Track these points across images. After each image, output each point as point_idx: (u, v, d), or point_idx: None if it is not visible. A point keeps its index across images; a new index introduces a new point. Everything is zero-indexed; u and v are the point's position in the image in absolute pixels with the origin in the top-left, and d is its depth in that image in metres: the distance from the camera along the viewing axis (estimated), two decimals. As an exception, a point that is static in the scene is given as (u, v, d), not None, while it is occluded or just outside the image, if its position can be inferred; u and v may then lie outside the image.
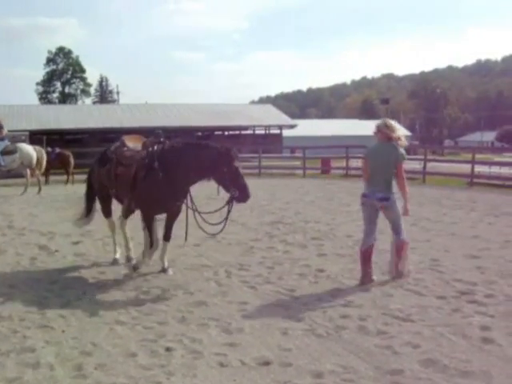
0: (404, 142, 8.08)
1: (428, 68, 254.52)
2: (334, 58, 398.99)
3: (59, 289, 7.72)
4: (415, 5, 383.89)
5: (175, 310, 6.73)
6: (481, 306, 6.71)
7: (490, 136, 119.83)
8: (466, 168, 25.34)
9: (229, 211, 7.97)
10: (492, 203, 16.76)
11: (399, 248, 8.01)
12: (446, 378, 4.78)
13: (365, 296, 7.20)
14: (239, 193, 7.85)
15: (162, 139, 8.85)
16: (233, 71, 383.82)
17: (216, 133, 54.79)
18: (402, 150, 7.94)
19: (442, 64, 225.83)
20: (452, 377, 4.79)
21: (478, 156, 29.64)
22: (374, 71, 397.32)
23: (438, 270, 8.47)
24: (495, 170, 27.04)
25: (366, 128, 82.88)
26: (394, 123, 8.08)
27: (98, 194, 9.54)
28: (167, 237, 8.60)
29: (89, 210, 9.83)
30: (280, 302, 6.98)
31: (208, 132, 53.96)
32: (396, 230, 8.05)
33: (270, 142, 50.87)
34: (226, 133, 57.37)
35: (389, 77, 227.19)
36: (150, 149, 8.33)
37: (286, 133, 55.67)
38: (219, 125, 51.64)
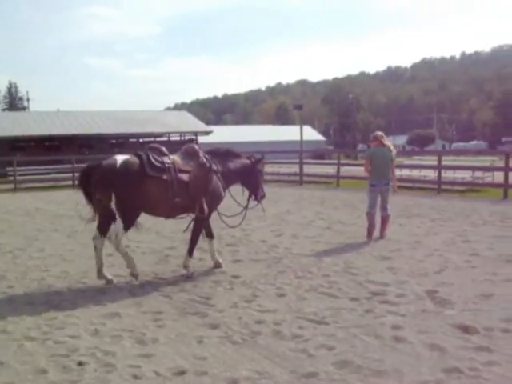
0: (392, 147, 11.93)
1: (341, 74, 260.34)
2: (249, 64, 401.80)
3: (-36, 305, 7.39)
4: (328, 11, 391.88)
5: (87, 322, 6.57)
6: (392, 306, 6.88)
7: (401, 140, 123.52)
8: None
9: (248, 207, 9.76)
10: (403, 205, 17.24)
11: (385, 220, 11.76)
12: (359, 378, 4.86)
13: (280, 300, 7.24)
14: (262, 193, 9.89)
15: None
16: (148, 77, 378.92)
17: (130, 140, 54.01)
18: (394, 152, 11.88)
19: (354, 70, 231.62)
20: (366, 376, 4.88)
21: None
22: (288, 77, 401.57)
23: (351, 272, 8.64)
24: (406, 172, 27.82)
25: (280, 133, 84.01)
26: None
27: (130, 207, 8.44)
28: (212, 234, 9.45)
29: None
30: (195, 310, 6.93)
31: (122, 139, 53.09)
32: (384, 206, 11.76)
33: (185, 148, 50.54)
34: (141, 140, 56.71)
35: (303, 83, 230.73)
36: (204, 155, 9.17)
37: (202, 139, 55.52)
38: (134, 132, 51.01)
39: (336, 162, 28.62)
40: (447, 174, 24.86)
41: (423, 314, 6.55)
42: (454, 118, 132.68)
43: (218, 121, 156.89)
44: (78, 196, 8.87)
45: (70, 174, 30.39)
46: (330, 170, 29.93)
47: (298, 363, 5.21)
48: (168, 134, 54.39)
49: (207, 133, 54.91)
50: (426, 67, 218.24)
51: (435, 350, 5.42)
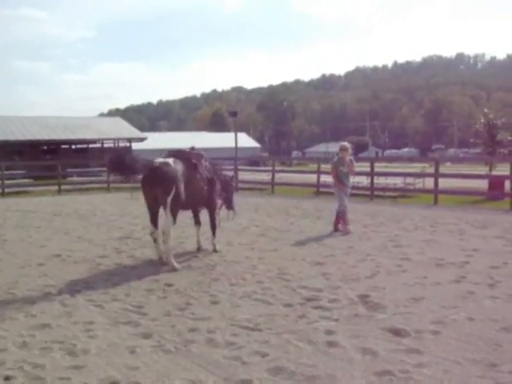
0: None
1: (276, 81, 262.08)
2: (184, 71, 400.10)
3: None
4: (263, 20, 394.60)
5: (16, 334, 6.34)
6: (325, 311, 6.93)
7: (334, 147, 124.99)
8: (312, 178, 26.28)
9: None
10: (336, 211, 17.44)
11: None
12: (293, 384, 4.87)
13: (213, 308, 7.20)
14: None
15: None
16: (81, 82, 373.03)
17: (63, 146, 52.96)
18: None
19: (289, 78, 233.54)
20: (299, 382, 4.89)
21: (324, 166, 30.83)
22: (223, 84, 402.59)
23: (285, 279, 8.66)
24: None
25: (216, 140, 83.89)
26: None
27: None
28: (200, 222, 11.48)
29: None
30: (128, 320, 6.80)
31: (54, 146, 51.97)
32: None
33: (119, 155, 49.90)
34: (74, 146, 55.72)
35: (238, 90, 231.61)
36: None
37: (136, 146, 54.99)
38: (65, 138, 50.07)
39: (271, 168, 28.79)
40: (380, 181, 25.37)
41: (356, 319, 6.62)
42: (386, 126, 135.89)
43: (153, 127, 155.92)
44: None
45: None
46: (265, 176, 30.09)
47: (231, 371, 5.17)
48: (102, 140, 53.63)
49: (142, 139, 54.40)
50: (360, 75, 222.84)
51: (367, 353, 5.48)
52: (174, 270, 9.50)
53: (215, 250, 11.05)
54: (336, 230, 13.43)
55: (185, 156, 10.57)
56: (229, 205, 11.88)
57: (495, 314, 6.62)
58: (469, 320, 6.45)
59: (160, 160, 10.14)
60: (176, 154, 10.57)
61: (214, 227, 11.30)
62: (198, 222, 11.42)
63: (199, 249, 11.25)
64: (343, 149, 13.99)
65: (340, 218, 13.57)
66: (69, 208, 20.64)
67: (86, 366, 5.38)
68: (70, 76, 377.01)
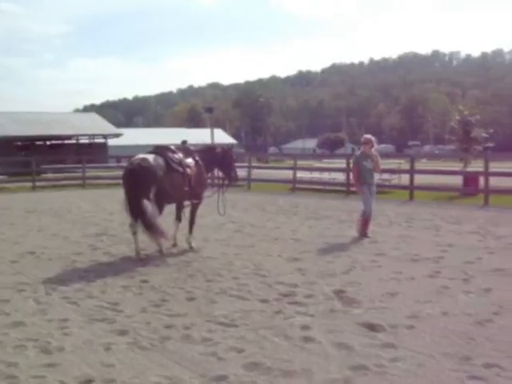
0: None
1: (252, 78, 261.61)
2: (160, 66, 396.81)
3: None
4: (239, 16, 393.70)
5: (-11, 333, 6.28)
6: (302, 307, 6.96)
7: (311, 143, 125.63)
8: (288, 174, 26.33)
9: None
10: (313, 207, 17.55)
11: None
12: (269, 379, 4.87)
13: (189, 304, 7.19)
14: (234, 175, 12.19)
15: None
16: (56, 78, 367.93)
17: (37, 143, 52.47)
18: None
19: (265, 74, 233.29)
20: (275, 377, 4.89)
21: (300, 162, 30.94)
22: (199, 80, 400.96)
23: (261, 274, 8.68)
24: (316, 175, 28.31)
25: (192, 136, 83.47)
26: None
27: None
28: (181, 219, 11.51)
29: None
30: (103, 317, 6.75)
31: (28, 142, 51.48)
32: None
33: (94, 151, 49.71)
34: (48, 142, 55.21)
35: (214, 86, 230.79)
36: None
37: (112, 142, 54.70)
38: (40, 134, 49.64)
39: (247, 164, 28.78)
40: (356, 176, 25.40)
41: (331, 314, 6.65)
42: (362, 122, 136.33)
43: (129, 123, 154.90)
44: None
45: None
46: (242, 172, 30.04)
47: (207, 367, 5.17)
48: (77, 136, 53.24)
49: (117, 135, 54.17)
50: (336, 72, 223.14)
51: (343, 348, 5.51)
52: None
53: (191, 247, 10.97)
54: (363, 235, 11.96)
55: (168, 151, 10.78)
56: (229, 177, 12.02)
57: (469, 309, 6.69)
58: (443, 314, 6.51)
59: (140, 156, 10.44)
60: (159, 149, 10.92)
61: (191, 223, 11.26)
62: (178, 218, 11.43)
63: (175, 245, 11.20)
64: (366, 141, 12.40)
65: (366, 221, 12.19)
66: (43, 205, 20.46)
67: (61, 363, 5.33)
68: (45, 71, 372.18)
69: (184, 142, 11.62)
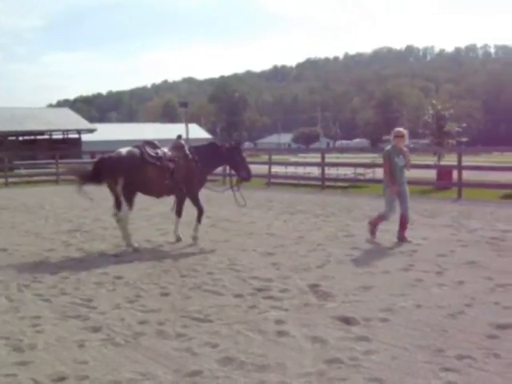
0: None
1: (227, 72, 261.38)
2: (133, 61, 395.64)
3: None
4: (214, 11, 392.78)
5: (-41, 331, 6.19)
6: (276, 301, 6.96)
7: (286, 138, 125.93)
8: (264, 169, 26.33)
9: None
10: (288, 201, 17.58)
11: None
12: (243, 373, 4.86)
13: (164, 300, 7.16)
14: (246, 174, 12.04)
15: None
16: (28, 72, 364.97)
17: (9, 138, 51.79)
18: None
19: (240, 69, 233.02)
20: (249, 372, 4.89)
21: (276, 157, 30.97)
22: (174, 75, 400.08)
23: (236, 269, 8.67)
24: (291, 169, 28.37)
25: (167, 131, 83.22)
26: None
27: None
28: (181, 214, 11.54)
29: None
30: (76, 314, 6.69)
31: (0, 137, 50.80)
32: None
33: (68, 147, 49.28)
34: (21, 138, 54.55)
35: (189, 81, 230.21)
36: (189, 149, 11.31)
37: (86, 137, 54.26)
38: (12, 130, 49.03)
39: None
40: (331, 171, 25.57)
41: (306, 308, 6.67)
42: (337, 117, 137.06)
43: (103, 118, 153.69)
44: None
45: None
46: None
47: (181, 362, 5.15)
48: (50, 131, 52.71)
49: (91, 130, 53.70)
50: (311, 67, 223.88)
51: (317, 342, 5.52)
52: (136, 251, 10.25)
53: (195, 238, 11.09)
54: (402, 240, 10.76)
55: (148, 146, 10.85)
56: (240, 173, 11.97)
57: (442, 301, 6.74)
58: (417, 307, 6.56)
59: (118, 150, 10.72)
60: (141, 144, 11.00)
61: (199, 214, 11.35)
62: (178, 213, 11.43)
63: (178, 240, 11.25)
64: (399, 135, 10.93)
65: (403, 225, 11.06)
66: (16, 201, 20.23)
67: (33, 361, 5.27)
68: (17, 66, 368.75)
69: (179, 137, 11.59)
